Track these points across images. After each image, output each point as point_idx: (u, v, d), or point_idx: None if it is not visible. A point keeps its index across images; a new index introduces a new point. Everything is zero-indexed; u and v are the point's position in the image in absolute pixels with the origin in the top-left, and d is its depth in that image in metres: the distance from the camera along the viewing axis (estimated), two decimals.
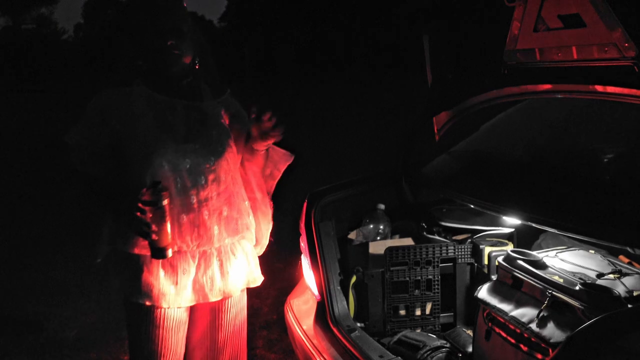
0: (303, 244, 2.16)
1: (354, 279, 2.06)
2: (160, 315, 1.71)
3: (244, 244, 1.84)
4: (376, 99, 17.03)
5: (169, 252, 1.59)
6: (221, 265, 1.76)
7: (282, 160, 1.92)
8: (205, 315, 1.83)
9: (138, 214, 1.53)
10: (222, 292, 1.76)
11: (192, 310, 1.81)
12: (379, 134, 10.16)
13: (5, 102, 22.26)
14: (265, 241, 1.95)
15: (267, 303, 3.53)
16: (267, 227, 1.94)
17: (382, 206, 2.26)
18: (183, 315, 1.76)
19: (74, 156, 1.72)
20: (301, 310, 2.15)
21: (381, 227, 2.24)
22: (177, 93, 1.73)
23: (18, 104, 21.42)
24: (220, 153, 1.74)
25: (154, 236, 1.55)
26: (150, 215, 1.54)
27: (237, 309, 1.86)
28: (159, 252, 1.58)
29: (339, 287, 2.04)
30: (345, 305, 2.01)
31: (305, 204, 2.18)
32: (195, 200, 1.68)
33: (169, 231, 1.58)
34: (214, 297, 1.74)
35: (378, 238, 2.22)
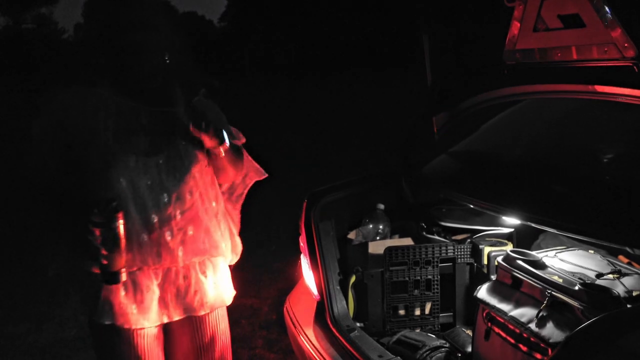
0: (302, 244, 2.16)
1: (353, 278, 2.06)
2: (131, 334, 1.59)
3: (215, 261, 1.71)
4: (377, 99, 17.02)
5: (123, 277, 1.46)
6: (188, 284, 1.63)
7: (254, 173, 1.81)
8: (185, 333, 1.71)
9: (88, 236, 1.40)
10: (187, 311, 1.64)
11: (168, 327, 1.70)
12: (381, 133, 10.16)
13: (5, 101, 22.22)
14: (237, 252, 1.81)
15: (267, 303, 3.53)
16: (237, 239, 1.81)
17: (381, 206, 2.26)
18: (154, 332, 1.65)
19: (30, 162, 1.57)
20: (300, 310, 2.15)
21: (381, 227, 2.24)
22: (144, 97, 1.56)
23: (17, 103, 21.38)
24: (186, 169, 1.58)
25: (103, 260, 1.42)
26: (100, 238, 1.40)
27: (221, 328, 1.76)
28: (110, 277, 1.45)
29: (338, 287, 2.04)
30: (344, 305, 2.01)
31: (305, 204, 2.18)
32: (156, 220, 1.54)
33: (122, 255, 1.44)
34: (177, 316, 1.64)
35: (377, 238, 2.22)
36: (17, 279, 4.14)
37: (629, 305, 1.39)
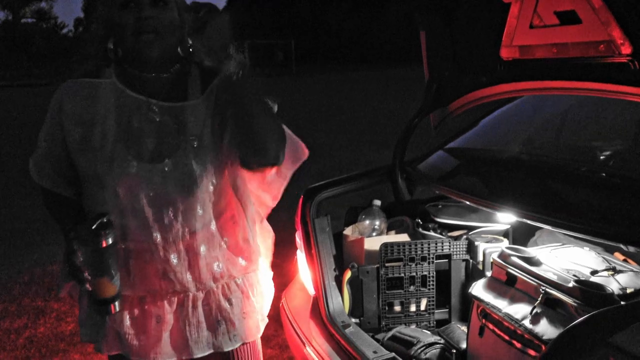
0: (298, 240, 2.16)
1: (348, 274, 2.06)
2: None
3: (245, 279, 1.48)
4: (376, 95, 17.01)
5: (115, 307, 1.24)
6: (210, 314, 1.40)
7: (295, 157, 1.52)
8: None
9: (70, 255, 1.21)
10: (212, 345, 1.40)
11: None
12: (379, 129, 10.16)
13: (5, 96, 22.22)
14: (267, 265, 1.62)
15: None
16: (268, 254, 1.61)
17: (378, 202, 2.25)
18: None
19: (32, 165, 1.38)
20: (296, 306, 2.15)
21: (377, 223, 2.24)
22: (156, 89, 1.31)
23: (16, 98, 21.37)
24: (198, 178, 1.30)
25: (88, 286, 1.22)
26: (81, 259, 1.20)
27: None
28: (97, 305, 1.24)
29: (334, 283, 2.04)
30: (340, 301, 2.01)
31: (301, 200, 2.18)
32: (159, 240, 1.29)
33: (113, 281, 1.21)
34: (200, 352, 1.39)
35: (373, 234, 2.22)
36: (15, 273, 4.14)
37: (622, 303, 1.39)
